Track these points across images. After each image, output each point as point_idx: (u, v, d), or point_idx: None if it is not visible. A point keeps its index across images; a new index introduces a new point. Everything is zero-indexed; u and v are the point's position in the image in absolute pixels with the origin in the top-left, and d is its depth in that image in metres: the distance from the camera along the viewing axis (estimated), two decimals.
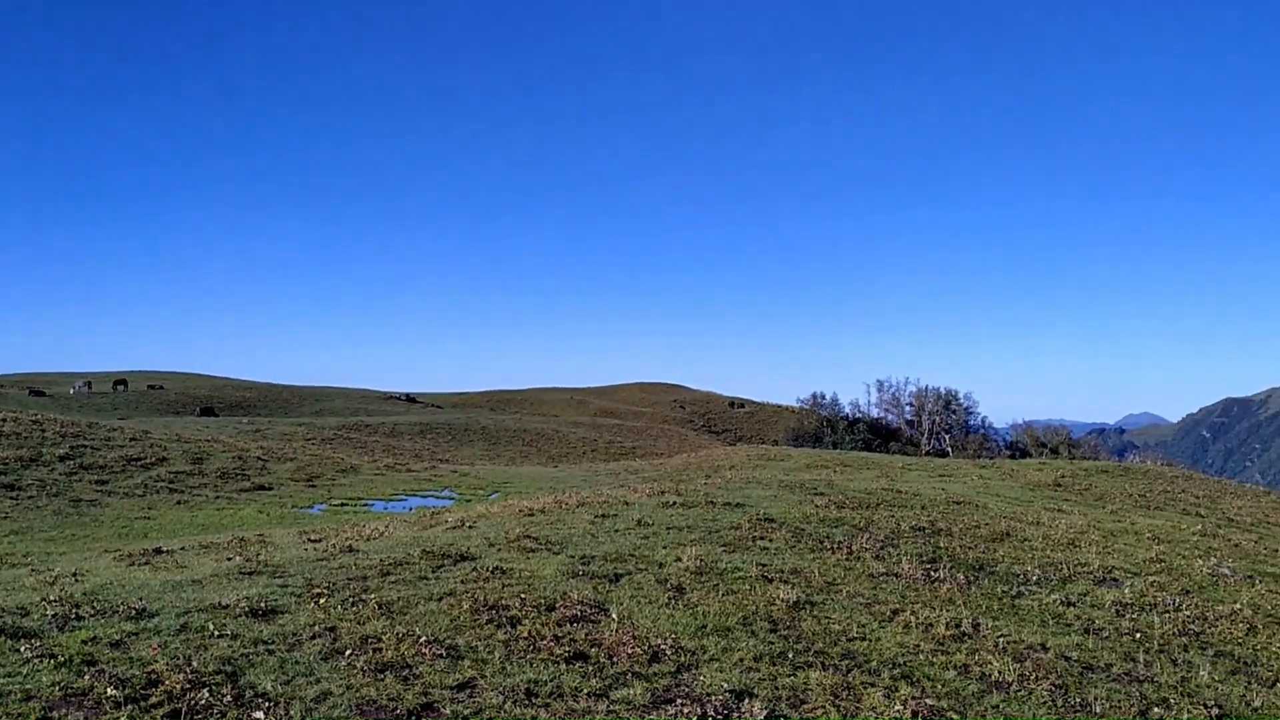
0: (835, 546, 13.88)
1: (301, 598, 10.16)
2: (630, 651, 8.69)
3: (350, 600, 10.05)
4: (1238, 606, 12.84)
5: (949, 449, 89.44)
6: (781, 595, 10.88)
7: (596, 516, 15.88)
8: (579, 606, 10.05)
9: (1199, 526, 19.83)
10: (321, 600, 10.01)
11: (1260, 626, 12.19)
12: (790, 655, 8.95)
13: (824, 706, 7.77)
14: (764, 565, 12.40)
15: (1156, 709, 8.86)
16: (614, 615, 9.87)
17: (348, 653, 8.29)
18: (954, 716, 7.92)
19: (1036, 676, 9.12)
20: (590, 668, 8.28)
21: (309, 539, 15.85)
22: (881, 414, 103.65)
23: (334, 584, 10.83)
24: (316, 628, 9.00)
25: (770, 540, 14.06)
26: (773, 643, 9.29)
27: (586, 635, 9.14)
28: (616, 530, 14.64)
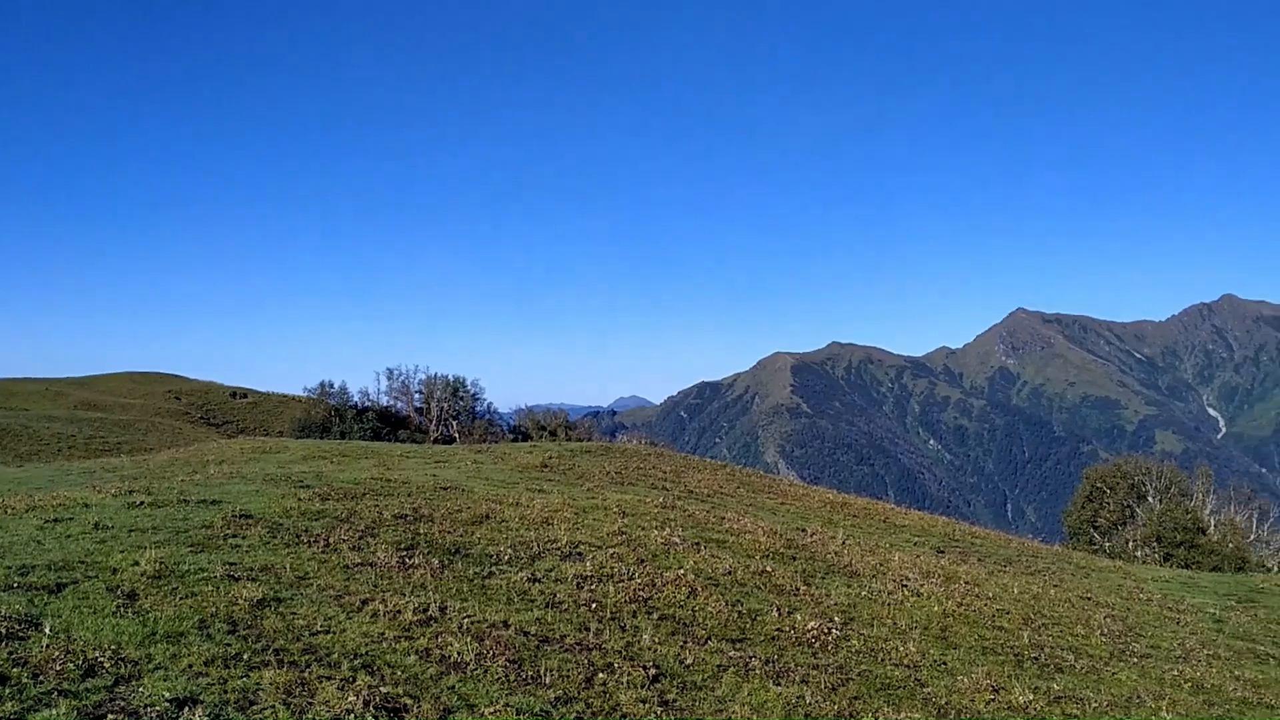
0: (313, 540, 13.59)
1: None
2: (61, 668, 7.91)
3: None
4: (682, 572, 14.28)
5: (456, 435, 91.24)
6: (246, 594, 10.44)
7: (47, 521, 14.30)
8: (6, 623, 8.98)
9: (661, 499, 21.80)
10: None
11: (700, 589, 13.64)
12: (246, 656, 8.62)
13: (274, 706, 7.57)
14: (232, 564, 11.84)
15: (601, 674, 9.61)
16: (48, 629, 8.93)
17: None
18: (408, 701, 8.06)
19: (494, 654, 9.53)
20: (9, 690, 7.42)
21: None
22: (391, 402, 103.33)
23: None
24: None
25: (244, 537, 13.46)
26: (229, 644, 8.89)
27: (11, 654, 8.18)
28: (69, 535, 13.27)
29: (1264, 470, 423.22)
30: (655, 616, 12.12)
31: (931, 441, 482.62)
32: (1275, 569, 54.62)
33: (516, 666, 9.35)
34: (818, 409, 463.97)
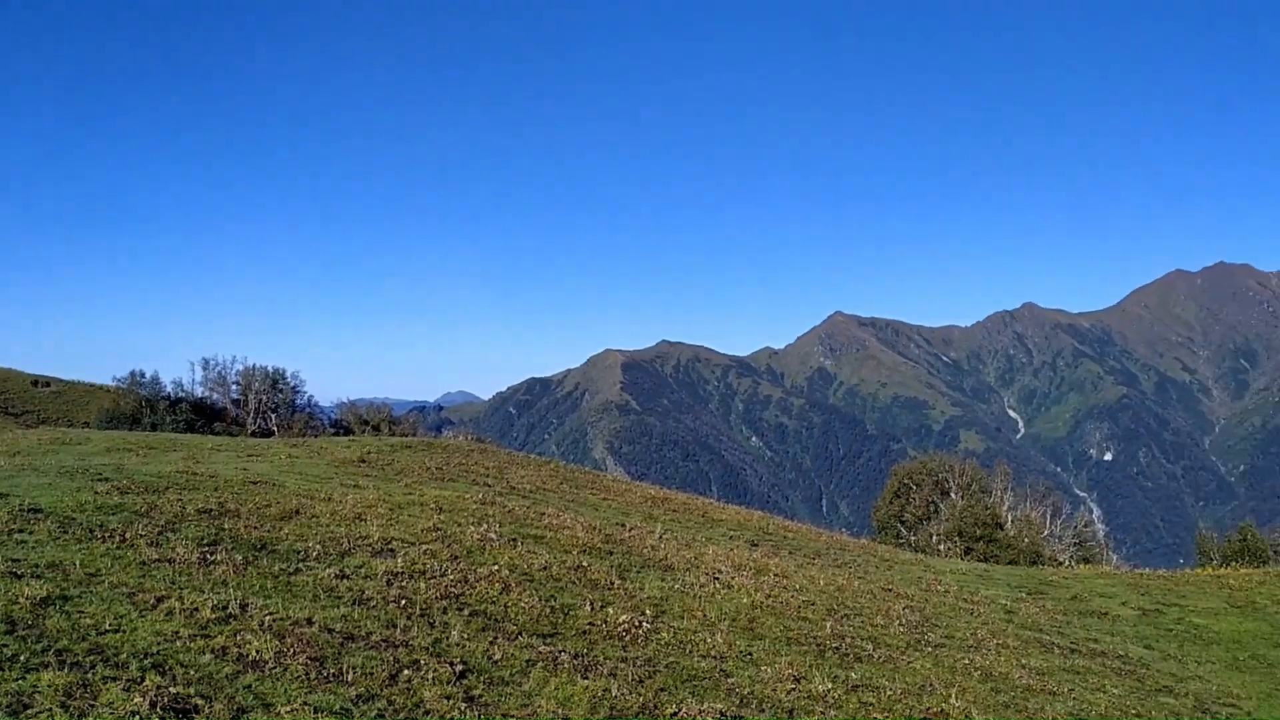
0: (107, 535, 12.96)
1: None
2: None
3: None
4: (496, 568, 14.25)
5: (275, 428, 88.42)
6: (29, 592, 9.88)
7: None
8: None
9: (481, 496, 21.69)
10: None
11: (514, 585, 13.64)
12: (24, 658, 8.16)
13: (50, 710, 7.21)
14: (16, 560, 11.18)
15: (406, 670, 9.51)
16: None
17: None
18: (199, 702, 7.80)
19: (296, 651, 9.32)
20: None
21: None
22: (207, 393, 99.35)
23: None
24: None
25: (32, 533, 12.73)
26: (6, 645, 8.39)
27: None
28: None
29: (1058, 469, 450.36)
30: (466, 613, 12.06)
31: (754, 439, 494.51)
32: (1066, 562, 58.29)
33: (318, 664, 9.16)
34: (646, 406, 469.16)
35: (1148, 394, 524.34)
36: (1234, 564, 47.87)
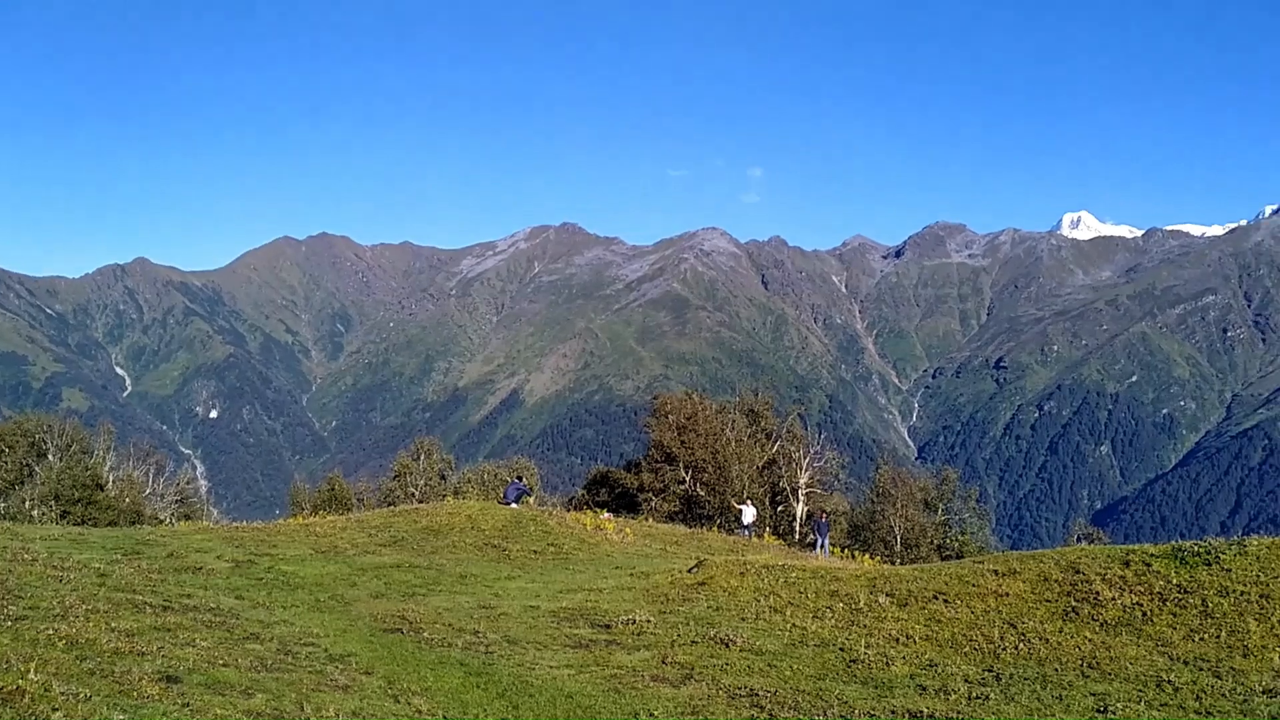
0: None
1: None
2: None
3: None
4: None
5: None
6: None
7: None
8: None
9: None
10: None
11: None
12: None
13: None
14: None
15: None
16: None
17: None
18: None
19: None
20: None
21: None
22: None
23: None
24: None
25: None
26: None
27: None
28: None
29: (165, 427, 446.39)
30: None
31: None
32: (167, 520, 58.44)
33: None
34: None
35: (254, 353, 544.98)
36: (323, 512, 52.42)
